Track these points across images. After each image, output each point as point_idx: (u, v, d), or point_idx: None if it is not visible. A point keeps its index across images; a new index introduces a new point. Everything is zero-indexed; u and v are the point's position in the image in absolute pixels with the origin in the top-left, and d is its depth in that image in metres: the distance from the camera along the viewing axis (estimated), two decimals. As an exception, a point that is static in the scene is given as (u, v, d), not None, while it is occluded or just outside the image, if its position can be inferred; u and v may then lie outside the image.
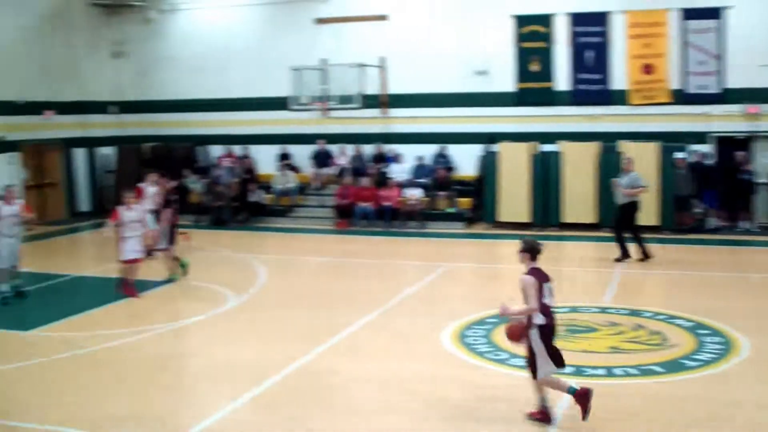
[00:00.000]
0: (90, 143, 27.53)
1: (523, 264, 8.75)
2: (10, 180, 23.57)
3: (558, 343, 8.69)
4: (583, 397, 8.48)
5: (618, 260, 17.15)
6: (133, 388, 10.16)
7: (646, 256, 17.19)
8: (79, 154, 27.34)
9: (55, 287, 16.24)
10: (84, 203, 27.47)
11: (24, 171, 25.19)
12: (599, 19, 22.57)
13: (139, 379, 10.49)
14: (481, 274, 17.01)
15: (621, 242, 17.26)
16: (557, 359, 8.62)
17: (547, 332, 8.57)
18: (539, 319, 8.50)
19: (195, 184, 25.70)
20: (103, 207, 27.20)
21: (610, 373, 10.28)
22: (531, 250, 8.75)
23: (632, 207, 17.21)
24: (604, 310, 13.39)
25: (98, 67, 27.84)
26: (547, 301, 8.57)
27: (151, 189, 18.21)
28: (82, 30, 27.21)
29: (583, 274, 17.15)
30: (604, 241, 19.00)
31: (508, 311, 8.65)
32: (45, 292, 15.62)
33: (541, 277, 8.56)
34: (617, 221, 17.62)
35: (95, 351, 11.72)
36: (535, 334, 8.53)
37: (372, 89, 23.91)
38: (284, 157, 25.98)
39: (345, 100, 23.66)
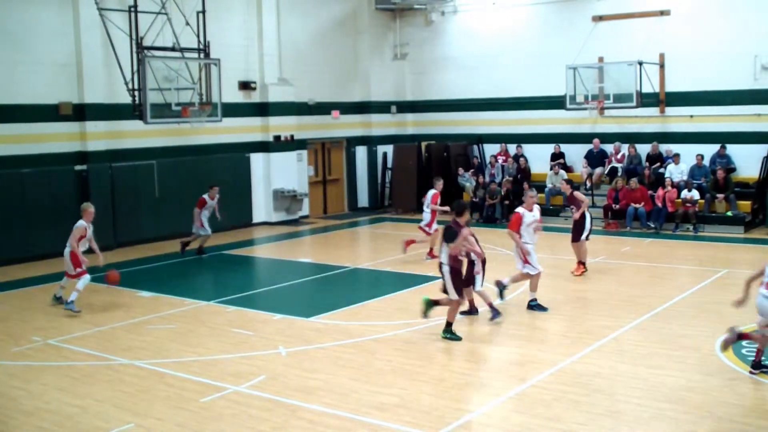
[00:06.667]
0: (370, 142, 28.97)
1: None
2: (300, 176, 25.40)
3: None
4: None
5: None
6: (402, 379, 10.60)
7: None
8: (360, 152, 28.87)
9: (335, 278, 17.25)
10: (363, 199, 28.91)
11: (311, 167, 26.99)
12: None
13: (407, 371, 10.92)
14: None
15: None
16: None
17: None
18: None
19: (468, 181, 26.30)
20: (382, 203, 28.58)
21: None
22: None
23: None
24: None
25: (381, 69, 29.24)
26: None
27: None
28: (368, 34, 28.70)
29: None
30: None
31: None
32: (326, 282, 16.66)
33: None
34: None
35: (366, 341, 12.37)
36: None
37: (649, 87, 23.29)
38: (557, 156, 25.94)
39: (621, 98, 23.32)
